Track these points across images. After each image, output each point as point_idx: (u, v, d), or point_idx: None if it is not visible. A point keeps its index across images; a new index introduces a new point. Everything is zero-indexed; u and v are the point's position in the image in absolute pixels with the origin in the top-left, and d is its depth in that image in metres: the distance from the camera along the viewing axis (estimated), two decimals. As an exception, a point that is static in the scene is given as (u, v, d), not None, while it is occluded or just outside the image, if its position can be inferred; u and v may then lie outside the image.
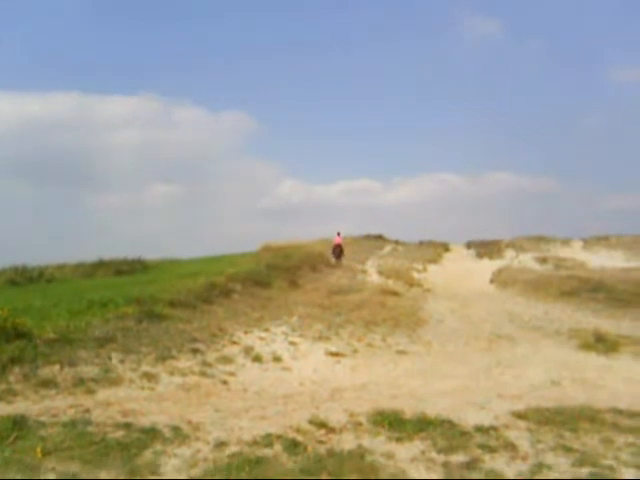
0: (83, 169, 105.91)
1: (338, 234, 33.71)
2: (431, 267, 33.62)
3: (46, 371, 9.66)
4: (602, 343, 14.46)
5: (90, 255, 28.80)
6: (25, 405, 8.27)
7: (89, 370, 10.08)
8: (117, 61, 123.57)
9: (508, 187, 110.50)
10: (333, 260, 32.23)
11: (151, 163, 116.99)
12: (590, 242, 41.35)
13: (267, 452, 6.69)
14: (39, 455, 6.16)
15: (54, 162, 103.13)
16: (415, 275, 29.72)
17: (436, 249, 42.70)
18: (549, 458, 6.78)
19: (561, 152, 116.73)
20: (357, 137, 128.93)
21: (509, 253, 38.74)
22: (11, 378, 9.22)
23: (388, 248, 42.36)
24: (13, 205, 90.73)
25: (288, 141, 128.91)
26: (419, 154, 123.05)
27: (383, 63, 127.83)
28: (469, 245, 45.27)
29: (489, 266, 32.76)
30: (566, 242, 42.10)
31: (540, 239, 42.99)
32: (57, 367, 9.86)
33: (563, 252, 37.94)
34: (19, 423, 7.08)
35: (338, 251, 32.65)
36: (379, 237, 47.98)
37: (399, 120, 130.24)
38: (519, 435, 7.59)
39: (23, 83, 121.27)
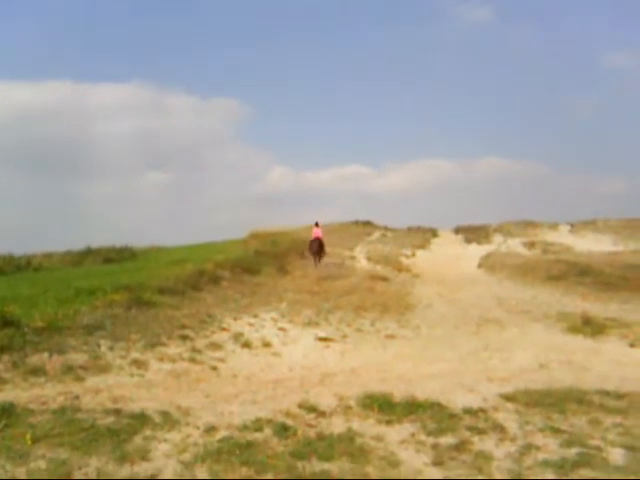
0: (74, 157, 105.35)
1: (316, 225, 27.05)
2: (420, 253, 33.77)
3: (35, 359, 9.62)
4: (589, 326, 14.55)
5: (81, 244, 28.75)
6: (14, 393, 8.23)
7: (78, 357, 10.05)
8: (109, 49, 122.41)
9: (498, 172, 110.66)
10: (311, 258, 26.02)
11: (143, 151, 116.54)
12: (577, 226, 41.55)
13: (257, 436, 6.71)
14: (29, 442, 6.15)
15: (45, 151, 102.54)
16: (404, 260, 29.85)
17: (424, 235, 42.85)
18: (538, 439, 6.84)
19: (551, 137, 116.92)
20: (348, 123, 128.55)
21: (497, 238, 38.94)
22: (0, 366, 9.19)
23: (377, 234, 42.47)
24: (2, 194, 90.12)
25: (280, 128, 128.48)
26: (410, 140, 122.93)
27: (375, 48, 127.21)
28: (457, 230, 45.37)
29: (477, 251, 32.96)
30: (554, 227, 42.30)
31: (528, 224, 43.19)
32: (46, 355, 9.82)
33: (551, 237, 38.16)
34: (8, 411, 7.05)
35: (316, 246, 25.86)
36: (368, 223, 48.04)
37: (390, 106, 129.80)
38: (508, 417, 7.65)
39: (14, 72, 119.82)
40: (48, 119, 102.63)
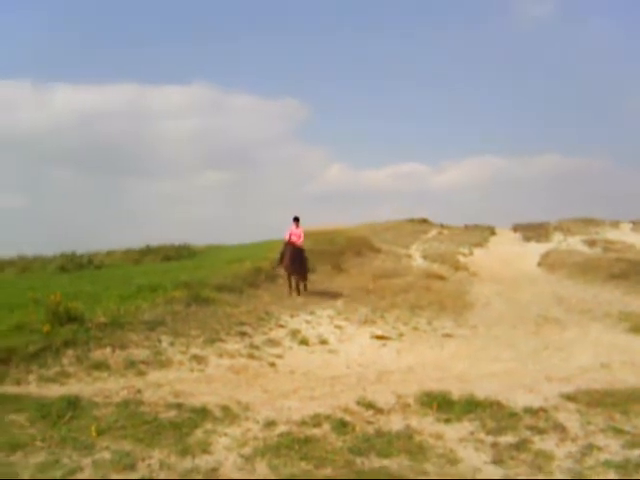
0: (137, 158, 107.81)
1: (295, 220, 18.90)
2: (477, 251, 33.26)
3: (98, 354, 9.91)
4: (653, 326, 14.21)
5: (141, 242, 29.35)
6: (79, 387, 8.49)
7: (140, 353, 10.30)
8: (174, 51, 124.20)
9: (557, 169, 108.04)
10: (282, 273, 18.25)
11: (203, 151, 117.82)
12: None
13: (316, 431, 6.76)
14: (94, 434, 6.34)
15: (108, 152, 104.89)
16: (461, 259, 29.45)
17: (482, 233, 42.21)
18: (599, 439, 6.71)
19: (611, 133, 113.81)
20: (406, 121, 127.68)
21: (557, 236, 38.10)
22: (65, 361, 9.48)
23: (433, 232, 42.03)
24: (66, 194, 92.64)
25: (338, 127, 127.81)
26: (467, 137, 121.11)
27: (433, 46, 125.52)
28: (516, 228, 44.54)
29: (536, 249, 32.29)
30: (615, 224, 41.24)
31: (588, 222, 42.19)
32: (109, 350, 10.09)
33: (612, 235, 37.17)
34: (73, 404, 7.28)
35: (291, 259, 17.30)
36: (424, 221, 47.53)
37: (447, 103, 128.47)
38: (569, 417, 7.52)
39: (81, 75, 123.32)
40: (113, 121, 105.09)
